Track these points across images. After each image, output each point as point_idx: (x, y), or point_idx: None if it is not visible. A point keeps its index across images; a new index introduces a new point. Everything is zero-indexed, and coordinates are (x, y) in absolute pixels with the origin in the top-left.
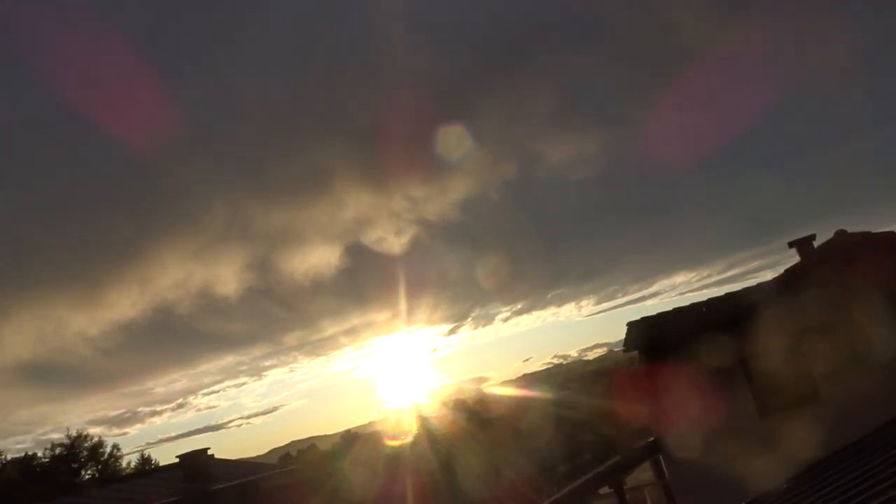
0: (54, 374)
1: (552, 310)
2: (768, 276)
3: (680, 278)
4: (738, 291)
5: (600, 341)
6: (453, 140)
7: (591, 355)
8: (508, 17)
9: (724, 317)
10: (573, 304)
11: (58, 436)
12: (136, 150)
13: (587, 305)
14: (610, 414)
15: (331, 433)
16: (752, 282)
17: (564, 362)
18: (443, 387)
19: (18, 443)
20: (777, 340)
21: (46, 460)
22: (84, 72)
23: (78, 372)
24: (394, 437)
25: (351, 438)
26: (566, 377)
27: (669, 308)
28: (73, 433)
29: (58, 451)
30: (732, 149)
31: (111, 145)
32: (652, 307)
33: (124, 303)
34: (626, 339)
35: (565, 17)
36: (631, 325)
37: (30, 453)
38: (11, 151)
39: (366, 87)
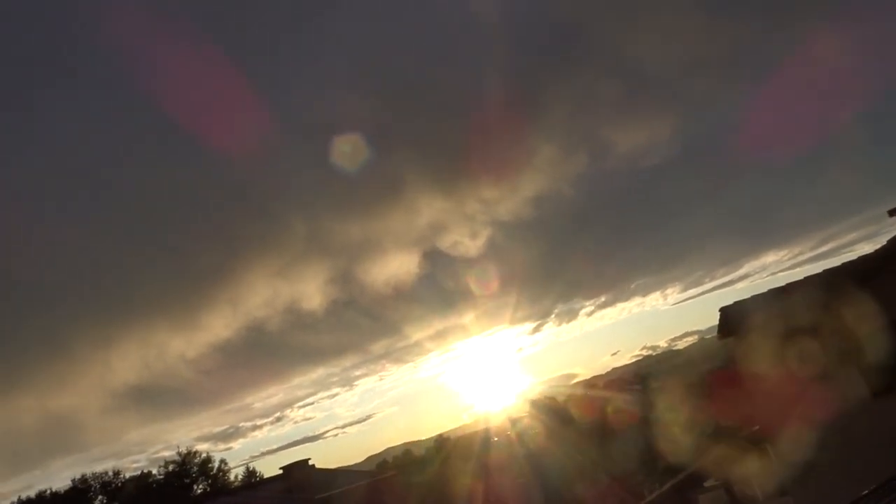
0: (160, 396)
1: (637, 300)
2: (866, 248)
3: (770, 258)
4: (838, 266)
5: (690, 329)
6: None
7: (681, 344)
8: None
9: (828, 293)
10: (658, 293)
11: (169, 453)
12: (225, 160)
13: (673, 293)
14: (706, 407)
15: (424, 438)
16: (849, 256)
17: (654, 353)
18: (531, 386)
19: (134, 462)
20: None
21: (161, 477)
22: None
23: (181, 392)
24: (486, 440)
25: (444, 442)
26: (657, 368)
27: (763, 290)
28: (184, 450)
29: (171, 467)
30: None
31: (203, 164)
32: (743, 290)
33: (218, 324)
34: (720, 325)
35: None
36: (724, 310)
37: (145, 471)
38: (109, 184)
39: (435, 92)
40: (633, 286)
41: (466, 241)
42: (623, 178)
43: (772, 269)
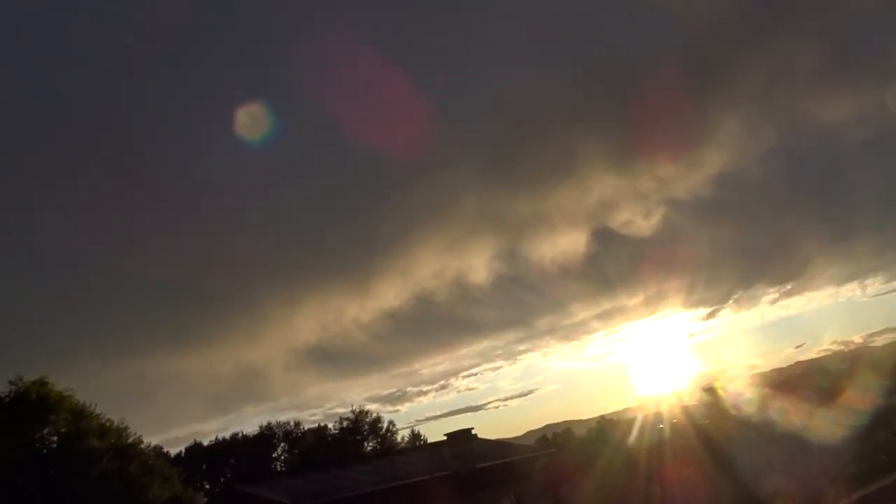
0: (336, 356)
1: (830, 290)
2: None
3: None
4: None
5: (891, 325)
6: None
7: (879, 341)
8: None
9: None
10: (856, 283)
11: (343, 410)
12: (394, 156)
13: (873, 284)
14: None
15: (585, 418)
16: None
17: (846, 349)
18: (703, 374)
19: (312, 415)
20: None
21: (336, 432)
22: (347, 90)
23: (354, 354)
24: (653, 424)
25: (606, 424)
26: (850, 365)
27: None
28: (357, 409)
29: (345, 423)
30: None
31: (372, 155)
32: None
33: (390, 293)
34: None
35: None
36: None
37: (322, 424)
38: (295, 161)
39: (610, 65)
40: (827, 273)
41: (639, 220)
42: (823, 155)
43: None
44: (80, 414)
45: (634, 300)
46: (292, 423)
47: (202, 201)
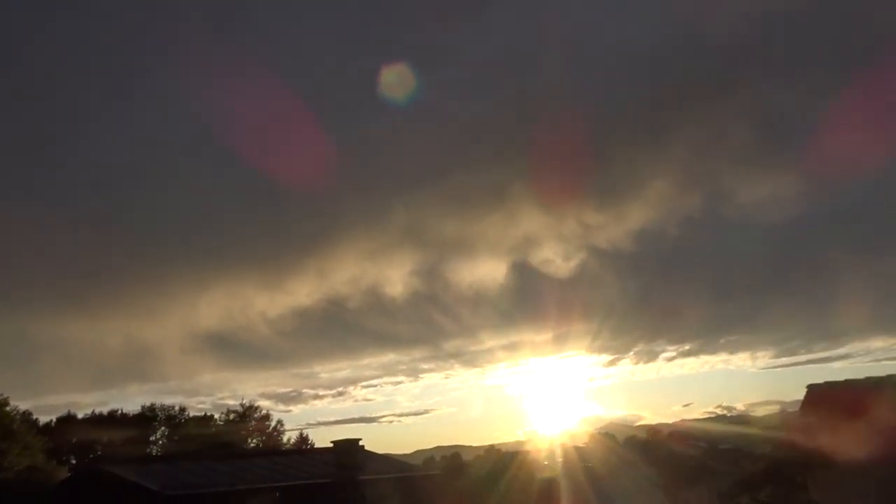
0: (236, 347)
1: (723, 356)
2: None
3: (878, 343)
4: None
5: (772, 398)
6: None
7: (759, 411)
8: (711, 41)
9: None
10: (747, 353)
11: (233, 402)
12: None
13: (763, 357)
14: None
15: (475, 445)
16: None
17: (728, 414)
18: (594, 418)
19: (200, 402)
20: None
21: (221, 423)
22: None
23: (256, 348)
24: (543, 460)
25: (496, 453)
26: (729, 430)
27: (861, 376)
28: (247, 403)
29: (232, 416)
30: None
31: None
32: (839, 371)
33: (302, 291)
34: (803, 402)
35: (779, 40)
36: (812, 388)
37: (208, 414)
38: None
39: (547, 107)
40: (722, 341)
41: (558, 261)
42: (737, 230)
43: (876, 355)
44: None
45: (541, 337)
46: (177, 408)
47: (122, 167)
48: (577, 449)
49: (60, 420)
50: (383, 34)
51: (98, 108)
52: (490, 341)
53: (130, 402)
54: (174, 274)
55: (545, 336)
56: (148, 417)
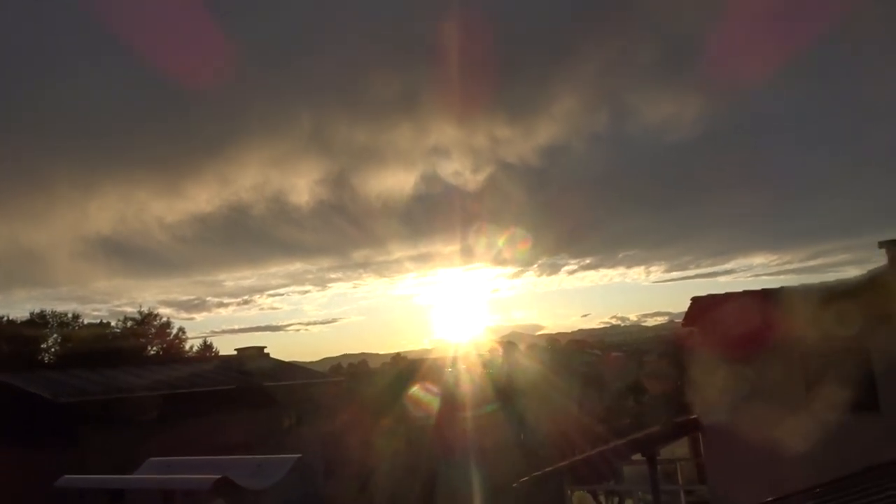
0: (132, 253)
1: (620, 270)
2: (852, 272)
3: (759, 259)
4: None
5: (662, 309)
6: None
7: (650, 322)
8: None
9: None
10: (642, 267)
11: (131, 310)
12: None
13: (656, 272)
14: (655, 383)
15: (382, 353)
16: (833, 275)
17: (622, 325)
18: (498, 327)
19: (95, 310)
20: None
21: (118, 331)
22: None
23: (154, 254)
24: (447, 368)
25: (402, 361)
26: (620, 339)
27: (740, 289)
28: (145, 310)
29: (129, 324)
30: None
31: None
32: (724, 284)
33: (202, 197)
34: (687, 313)
35: None
36: (695, 300)
37: (104, 321)
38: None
39: (459, 16)
40: (620, 255)
41: (468, 174)
42: (640, 148)
43: (757, 271)
44: None
45: (449, 249)
46: (70, 315)
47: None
48: (481, 356)
49: None
50: None
51: None
52: (399, 252)
53: (18, 308)
54: (61, 174)
55: (453, 248)
56: (37, 324)
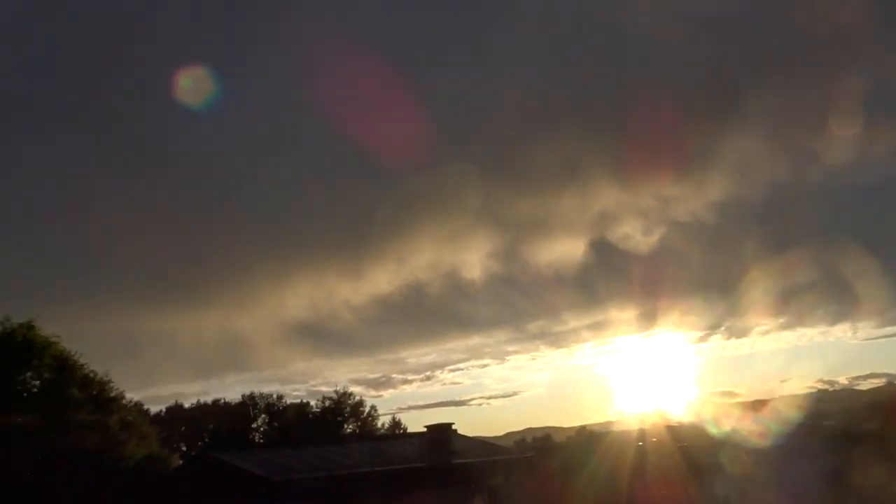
0: (324, 335)
1: (821, 328)
2: None
3: None
4: None
5: (878, 370)
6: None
7: (864, 385)
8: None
9: None
10: (848, 324)
11: (326, 389)
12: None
13: (865, 328)
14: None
15: (566, 426)
16: None
17: (831, 389)
18: (686, 395)
19: (294, 390)
20: None
21: (318, 410)
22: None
23: (343, 335)
24: (635, 440)
25: (587, 434)
26: (831, 406)
27: None
28: (340, 389)
29: (327, 403)
30: None
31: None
32: None
33: (382, 278)
34: None
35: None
36: None
37: (304, 401)
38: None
39: (620, 82)
40: (820, 312)
41: (638, 237)
42: (824, 194)
43: None
44: (64, 362)
45: (626, 315)
46: (275, 396)
47: (204, 166)
48: (670, 428)
49: (170, 410)
50: None
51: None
52: (574, 321)
53: (230, 391)
54: (261, 266)
55: (629, 314)
56: (248, 406)
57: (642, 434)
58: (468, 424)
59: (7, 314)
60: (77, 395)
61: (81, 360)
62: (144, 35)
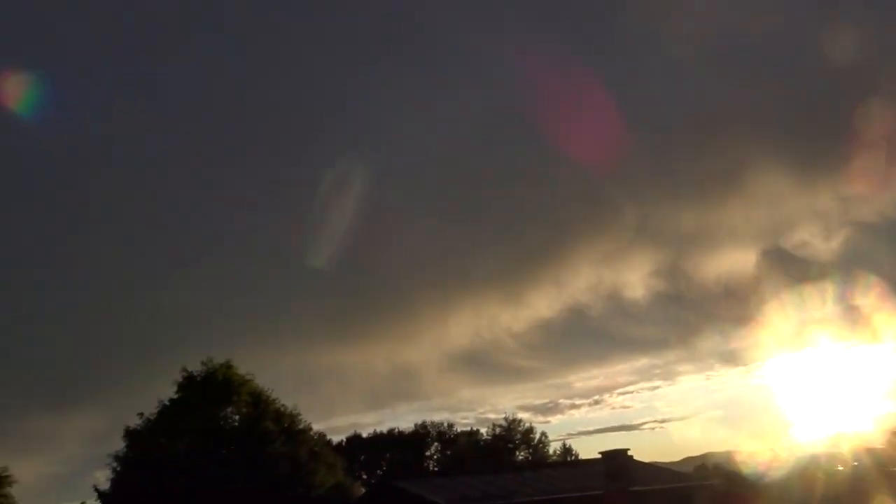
0: (488, 363)
1: None
2: None
3: None
4: None
5: None
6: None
7: None
8: None
9: None
10: None
11: (494, 416)
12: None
13: None
14: None
15: (749, 449)
16: None
17: None
18: (891, 415)
19: (464, 418)
20: None
21: (488, 438)
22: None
23: (507, 362)
24: (830, 464)
25: (773, 458)
26: None
27: None
28: (510, 417)
29: (497, 430)
30: None
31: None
32: None
33: (542, 303)
34: None
35: None
36: None
37: (474, 429)
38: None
39: (782, 75)
40: None
41: (818, 243)
42: None
43: None
44: (258, 397)
45: (810, 328)
46: (445, 425)
47: (348, 206)
48: (871, 451)
49: (349, 440)
50: None
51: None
52: (750, 336)
53: (403, 420)
54: (424, 298)
55: (814, 326)
56: (421, 434)
57: (836, 458)
58: (642, 449)
59: (210, 356)
60: (271, 427)
61: (273, 395)
62: None
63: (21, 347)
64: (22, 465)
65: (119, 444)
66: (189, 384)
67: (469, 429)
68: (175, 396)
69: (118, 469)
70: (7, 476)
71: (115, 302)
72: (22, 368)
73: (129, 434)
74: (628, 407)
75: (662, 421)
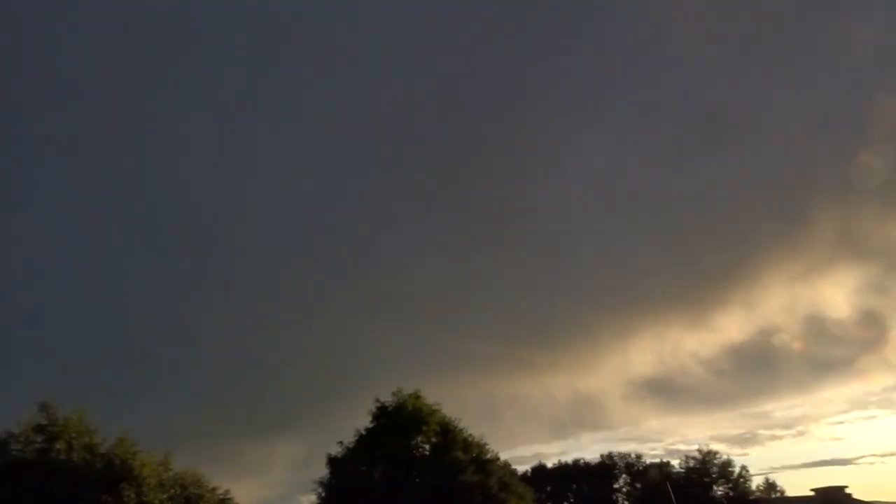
0: (674, 390)
1: None
2: None
3: None
4: None
5: None
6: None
7: None
8: None
9: None
10: None
11: (684, 447)
12: None
13: None
14: None
15: None
16: None
17: None
18: None
19: (651, 449)
20: None
21: (681, 471)
22: None
23: (695, 390)
24: None
25: None
26: None
27: None
28: (704, 449)
29: (691, 462)
30: None
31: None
32: None
33: (731, 327)
34: None
35: None
36: None
37: (664, 460)
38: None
39: None
40: None
41: None
42: None
43: None
44: (446, 427)
45: None
46: (633, 456)
47: (540, 235)
48: None
49: (535, 470)
50: None
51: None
52: None
53: (586, 450)
54: (603, 325)
55: None
56: (608, 466)
57: None
58: (862, 487)
59: (399, 386)
60: (461, 457)
61: (461, 425)
62: None
63: (235, 382)
64: (237, 488)
65: (321, 470)
66: (381, 414)
67: (658, 460)
68: (370, 426)
69: (323, 495)
70: (229, 499)
71: (314, 346)
72: (236, 401)
73: (332, 461)
74: (840, 438)
75: (884, 455)
